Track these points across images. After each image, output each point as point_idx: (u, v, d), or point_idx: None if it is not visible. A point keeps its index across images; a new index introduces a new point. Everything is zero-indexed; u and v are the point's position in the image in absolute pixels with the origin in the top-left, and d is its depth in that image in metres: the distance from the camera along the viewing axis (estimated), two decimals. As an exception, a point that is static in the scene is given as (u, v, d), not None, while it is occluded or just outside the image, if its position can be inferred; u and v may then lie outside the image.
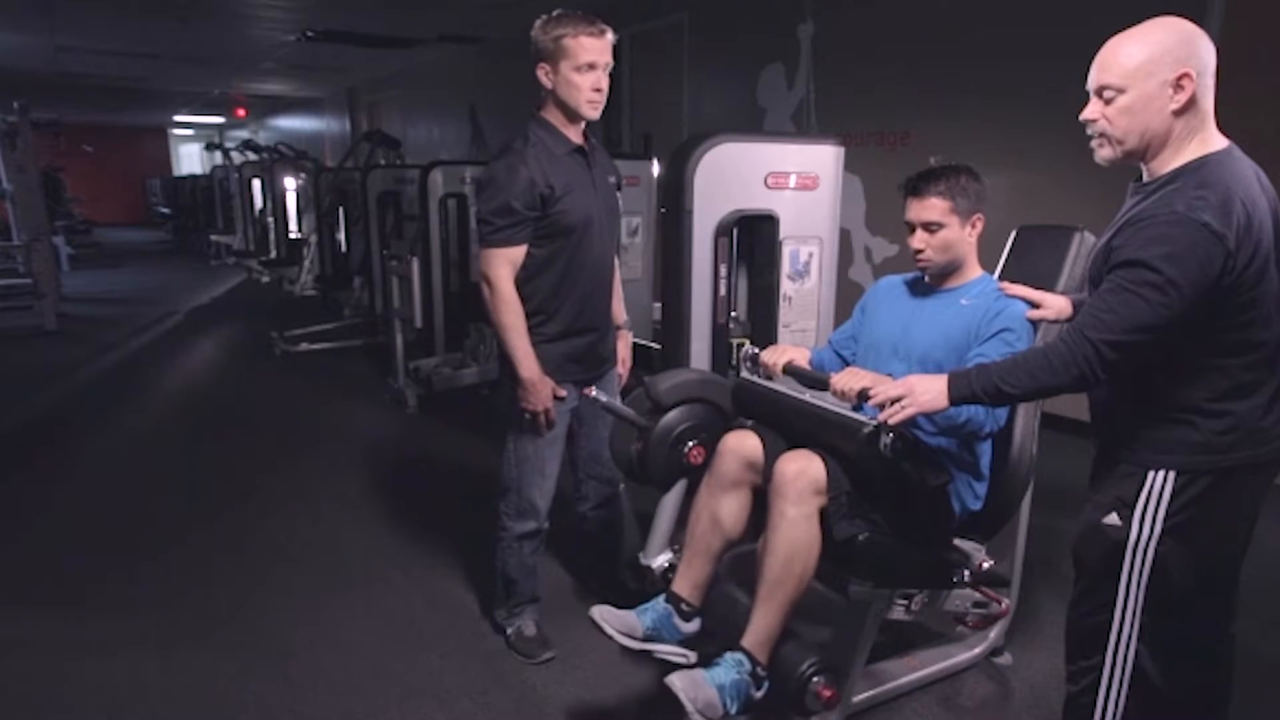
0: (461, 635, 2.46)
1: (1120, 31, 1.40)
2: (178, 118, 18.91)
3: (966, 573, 1.87)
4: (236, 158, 11.52)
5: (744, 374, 2.09)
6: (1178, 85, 1.34)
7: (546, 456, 2.21)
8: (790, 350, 2.05)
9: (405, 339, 4.85)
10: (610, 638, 1.81)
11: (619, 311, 2.36)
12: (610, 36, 2.01)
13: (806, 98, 5.50)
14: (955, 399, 1.52)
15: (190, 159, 23.24)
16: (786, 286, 2.59)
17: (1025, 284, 1.89)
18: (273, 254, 8.86)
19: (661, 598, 1.91)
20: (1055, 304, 1.82)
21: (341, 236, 7.20)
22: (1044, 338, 1.85)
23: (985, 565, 1.88)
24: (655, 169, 4.73)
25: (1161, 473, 1.43)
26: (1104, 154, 1.44)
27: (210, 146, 17.75)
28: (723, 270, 2.48)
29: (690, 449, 2.02)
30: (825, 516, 1.74)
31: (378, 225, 5.99)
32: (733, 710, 1.66)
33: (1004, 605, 2.11)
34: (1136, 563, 1.46)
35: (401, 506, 3.41)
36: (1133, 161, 1.44)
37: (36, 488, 3.66)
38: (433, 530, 3.15)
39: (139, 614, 2.59)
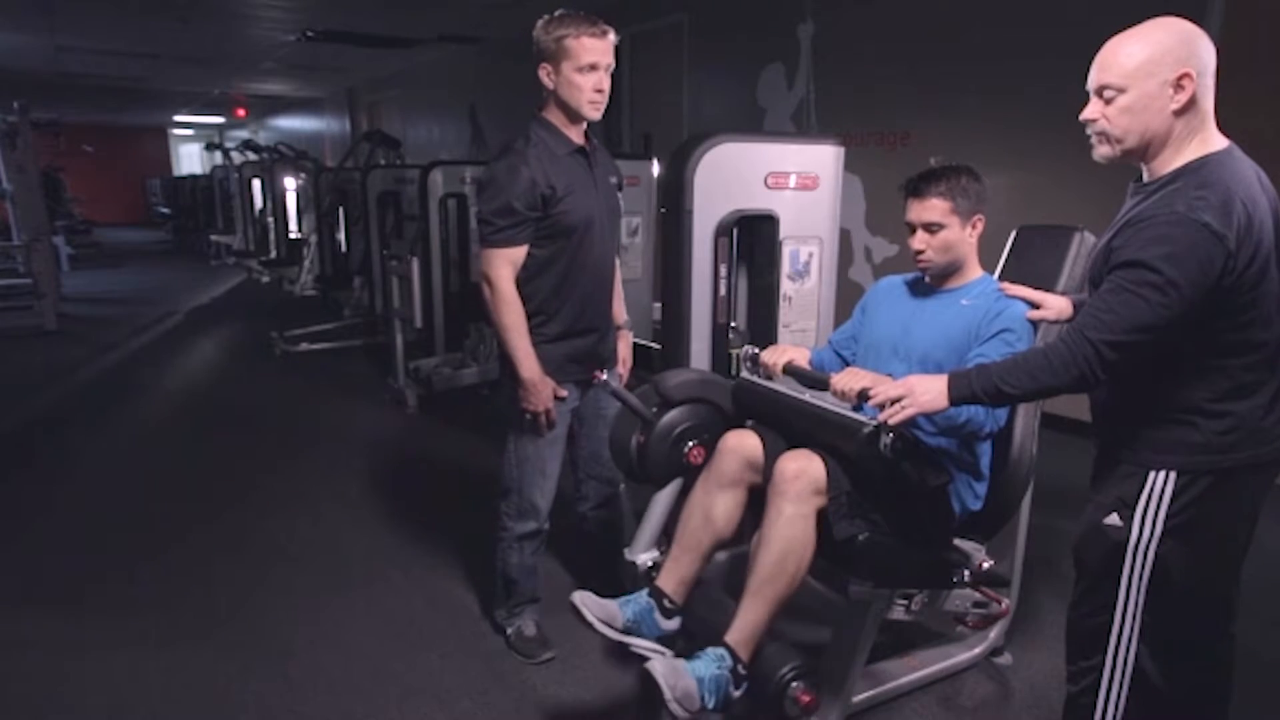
0: (461, 635, 2.46)
1: (1120, 31, 1.40)
2: (178, 118, 18.91)
3: (966, 573, 1.87)
4: (236, 158, 11.52)
5: (744, 374, 2.10)
6: (1178, 85, 1.34)
7: (547, 457, 2.21)
8: (790, 350, 2.05)
9: (405, 339, 4.85)
10: (589, 623, 1.79)
11: (619, 312, 2.37)
12: (612, 37, 2.01)
13: (806, 98, 5.50)
14: (955, 399, 1.52)
15: (190, 159, 23.23)
16: (786, 286, 2.59)
17: (1025, 284, 1.89)
18: (273, 254, 8.86)
19: (644, 591, 1.89)
20: (1056, 304, 1.82)
21: (341, 236, 7.20)
22: (1044, 338, 1.85)
23: (985, 565, 1.88)
24: (655, 169, 4.73)
25: (1162, 473, 1.43)
26: (1102, 151, 1.44)
27: (210, 146, 17.76)
28: (723, 270, 2.48)
29: (691, 448, 2.02)
30: (825, 517, 1.74)
31: (378, 225, 5.99)
32: (710, 704, 1.64)
33: (1004, 605, 2.11)
34: (1137, 563, 1.46)
35: (401, 506, 3.41)
36: (1132, 161, 1.44)
37: (36, 488, 3.66)
38: (433, 530, 3.15)
39: (139, 614, 2.59)
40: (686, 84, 6.54)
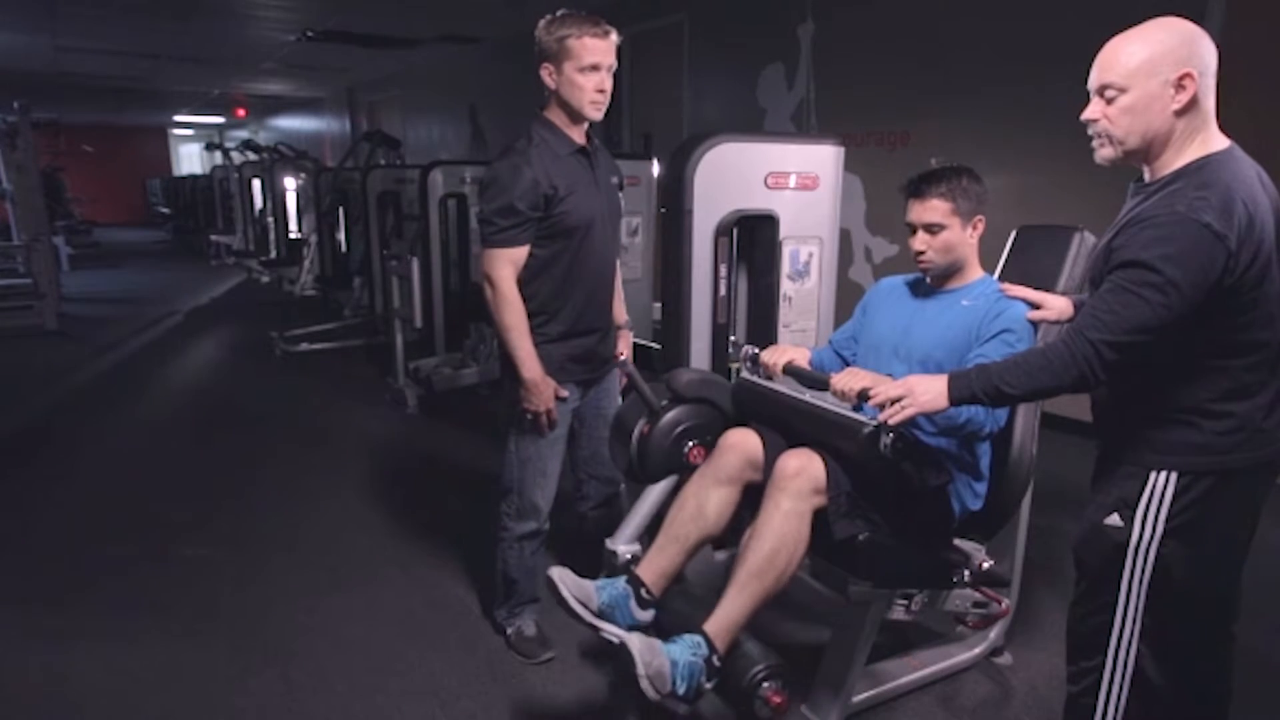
0: (461, 635, 2.46)
1: (1121, 31, 1.40)
2: (178, 118, 18.91)
3: (966, 573, 1.87)
4: (236, 158, 11.52)
5: (744, 374, 2.10)
6: (1179, 85, 1.34)
7: (548, 457, 2.21)
8: (790, 350, 2.05)
9: (405, 339, 4.85)
10: (564, 599, 1.75)
11: (619, 311, 2.37)
12: (614, 37, 2.00)
13: (806, 98, 5.50)
14: (955, 399, 1.51)
15: (190, 159, 23.23)
16: (786, 286, 2.59)
17: (1025, 284, 1.89)
18: (273, 254, 8.86)
19: (623, 579, 1.86)
20: (1056, 305, 1.82)
21: (341, 236, 7.20)
22: (1044, 338, 1.84)
23: (985, 565, 1.88)
24: (655, 169, 4.73)
25: (1164, 473, 1.43)
26: (1104, 153, 1.43)
27: (210, 146, 17.76)
28: (723, 270, 2.48)
29: (691, 448, 2.02)
30: (823, 517, 1.74)
31: (378, 225, 5.99)
32: (680, 690, 1.61)
33: (1004, 605, 2.11)
34: (1138, 564, 1.46)
35: (401, 506, 3.41)
36: (1133, 162, 1.44)
37: (36, 487, 3.66)
38: (433, 530, 3.15)
39: (139, 613, 2.59)
40: (686, 84, 6.54)
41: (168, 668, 2.30)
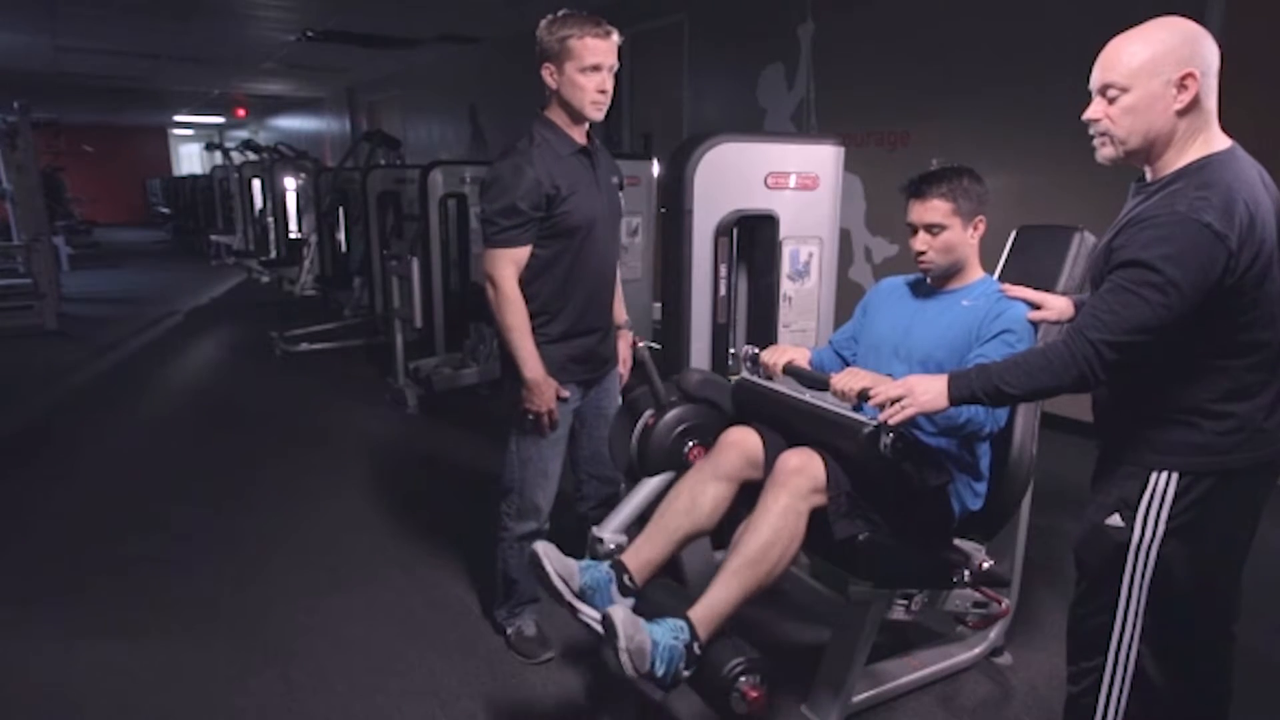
0: (461, 635, 2.46)
1: (1123, 31, 1.40)
2: (178, 118, 18.91)
3: (966, 573, 1.87)
4: (236, 158, 11.52)
5: (744, 374, 2.10)
6: (1181, 85, 1.34)
7: (549, 457, 2.21)
8: (790, 350, 2.05)
9: (405, 339, 4.85)
10: (547, 574, 1.72)
11: (619, 311, 2.37)
12: (616, 38, 2.00)
13: (806, 98, 5.50)
14: (955, 399, 1.52)
15: (190, 159, 23.23)
16: (786, 286, 2.58)
17: (1025, 284, 1.89)
18: (273, 254, 8.86)
19: (607, 563, 1.83)
20: (1057, 305, 1.82)
21: (341, 236, 7.20)
22: (1045, 339, 1.84)
23: (985, 565, 1.88)
24: (655, 169, 4.73)
25: (1165, 474, 1.43)
26: (1106, 153, 1.43)
27: (210, 146, 17.75)
28: (723, 270, 2.48)
29: (691, 448, 2.02)
30: (821, 517, 1.74)
31: (378, 225, 5.99)
32: (659, 672, 1.58)
33: (1004, 605, 2.11)
34: (1139, 564, 1.46)
35: (401, 507, 3.41)
36: (1135, 162, 1.44)
37: (37, 488, 3.66)
38: (433, 530, 3.15)
39: (139, 613, 2.59)
40: (686, 84, 6.54)
41: (168, 668, 2.30)
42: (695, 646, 1.62)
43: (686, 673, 1.62)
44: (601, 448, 2.29)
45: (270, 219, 9.08)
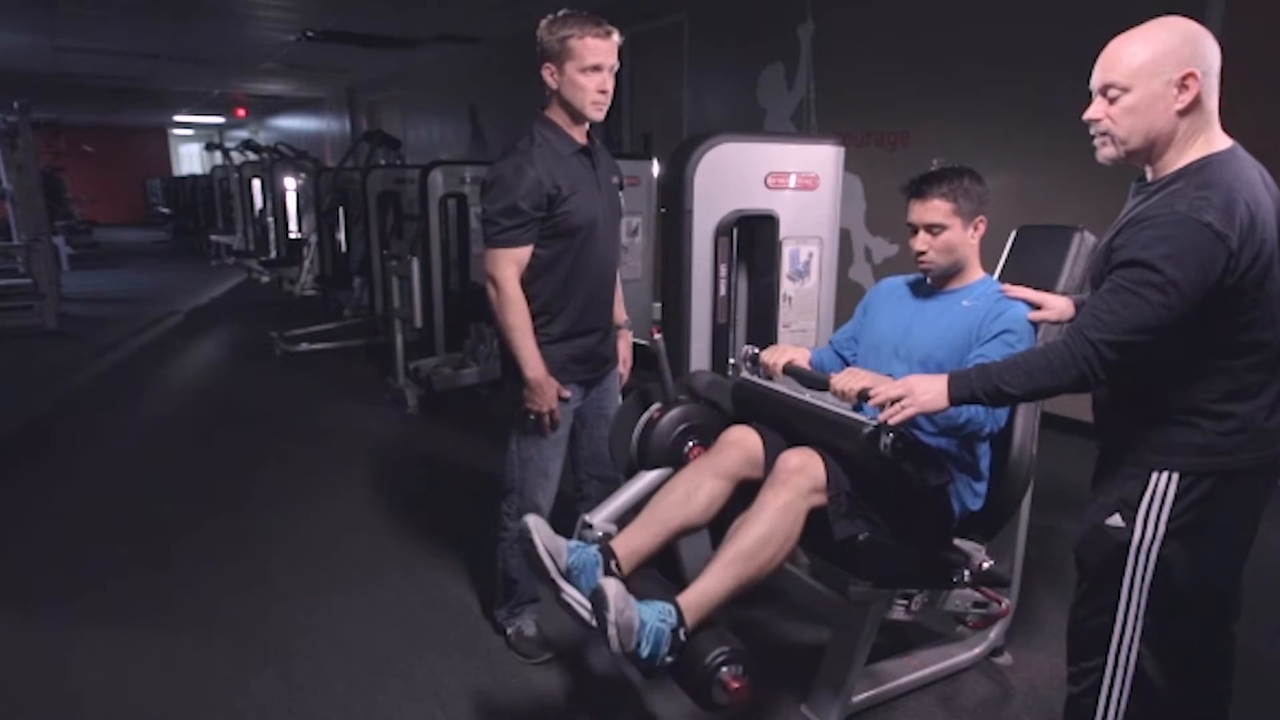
0: (461, 635, 2.46)
1: (1123, 31, 1.40)
2: (178, 118, 18.91)
3: (966, 573, 1.87)
4: (236, 158, 11.52)
5: (744, 374, 2.10)
6: (1182, 85, 1.33)
7: (550, 457, 2.21)
8: (790, 350, 2.05)
9: (405, 339, 4.85)
10: (535, 548, 1.69)
11: (619, 311, 2.37)
12: (616, 38, 2.00)
13: (806, 98, 5.50)
14: (955, 399, 1.51)
15: (190, 159, 23.23)
16: (786, 286, 2.59)
17: (1025, 284, 1.89)
18: (273, 254, 8.86)
19: (595, 546, 1.78)
20: (1057, 305, 1.82)
21: (341, 236, 7.20)
22: (1045, 339, 1.84)
23: (985, 565, 1.88)
24: (655, 169, 4.73)
25: (1165, 474, 1.42)
26: (1106, 153, 1.43)
27: (210, 146, 17.75)
28: (723, 270, 2.48)
29: (692, 447, 2.03)
30: (823, 517, 1.74)
31: (378, 225, 5.99)
32: (643, 653, 1.55)
33: (1004, 605, 2.11)
34: (1140, 564, 1.46)
35: (401, 506, 3.41)
36: (1135, 162, 1.44)
37: (36, 488, 3.66)
38: (433, 530, 3.15)
39: (139, 613, 2.59)
40: (686, 84, 6.54)
41: (168, 668, 2.30)
42: (681, 633, 1.59)
43: (669, 659, 1.59)
44: (602, 448, 2.29)
45: (270, 219, 9.08)
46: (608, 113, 2.07)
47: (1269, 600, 2.34)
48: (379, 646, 2.40)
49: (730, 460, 1.89)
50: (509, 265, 2.04)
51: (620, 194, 2.28)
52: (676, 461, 2.03)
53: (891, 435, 1.65)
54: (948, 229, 1.87)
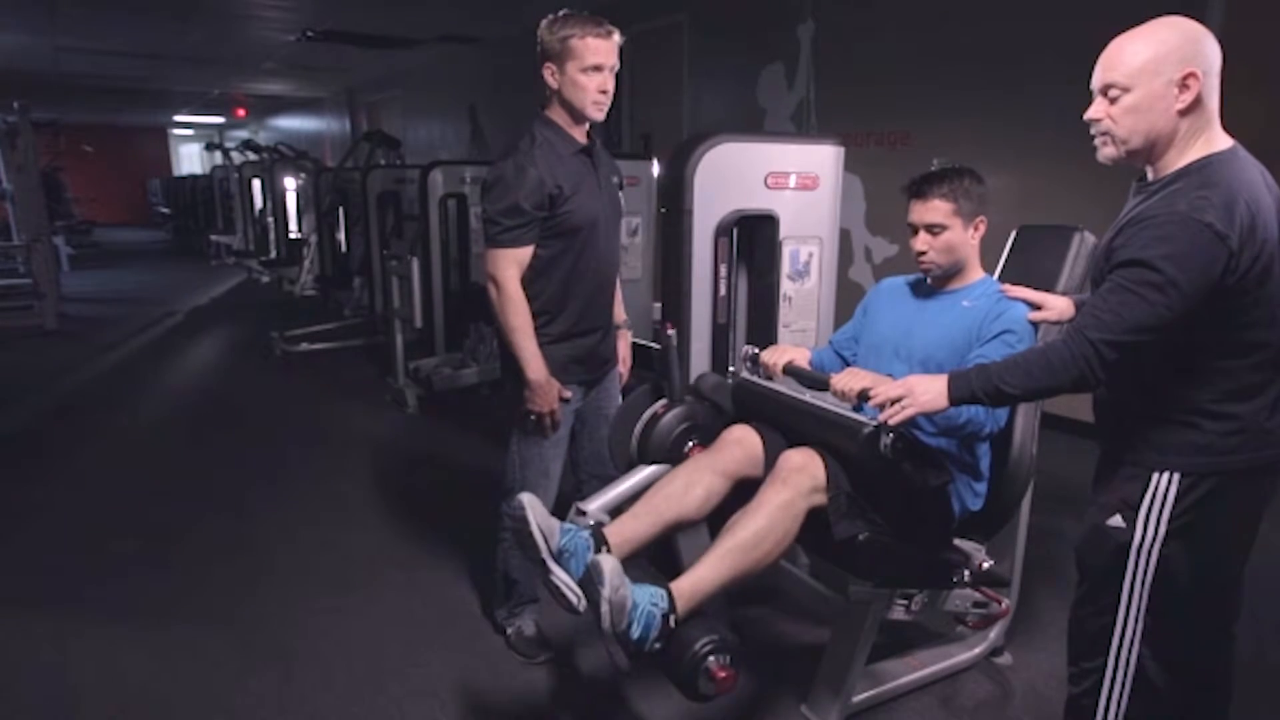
0: (461, 635, 2.46)
1: (1124, 31, 1.40)
2: (178, 118, 18.90)
3: (966, 573, 1.87)
4: (236, 158, 11.53)
5: (744, 374, 2.10)
6: (1183, 85, 1.33)
7: (550, 458, 2.21)
8: (790, 350, 2.05)
9: (405, 339, 4.85)
10: (527, 523, 1.66)
11: (618, 311, 2.37)
12: (617, 38, 2.01)
13: (806, 98, 5.50)
14: (955, 399, 1.51)
15: (190, 159, 23.22)
16: (786, 286, 2.58)
17: (1025, 284, 1.89)
18: (273, 254, 8.86)
19: (588, 530, 1.76)
20: (1057, 305, 1.82)
21: (341, 236, 7.20)
22: (1045, 339, 1.84)
23: (985, 565, 1.88)
24: (655, 169, 4.73)
25: (1166, 474, 1.42)
26: (1107, 153, 1.43)
27: (210, 146, 17.76)
28: (723, 270, 2.47)
29: (692, 446, 2.03)
30: (823, 517, 1.74)
31: (378, 225, 5.99)
32: (634, 634, 1.53)
33: (1004, 605, 2.11)
34: (1141, 565, 1.46)
35: (402, 507, 3.40)
36: (1136, 162, 1.44)
37: (36, 488, 3.66)
38: (433, 530, 3.15)
39: (139, 614, 2.58)
40: (686, 84, 6.54)
41: (168, 668, 2.30)
42: (671, 619, 1.58)
43: (658, 644, 1.57)
44: (602, 448, 2.29)
45: (270, 219, 9.08)
46: (608, 113, 2.07)
47: (1269, 600, 2.34)
48: (379, 646, 2.40)
49: (730, 458, 1.89)
50: (510, 265, 2.03)
51: (620, 194, 2.28)
52: (676, 459, 2.03)
53: (891, 435, 1.65)
54: (948, 229, 1.87)
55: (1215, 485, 1.41)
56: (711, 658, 1.55)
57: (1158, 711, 1.54)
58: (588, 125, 2.10)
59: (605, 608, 1.51)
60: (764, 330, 2.61)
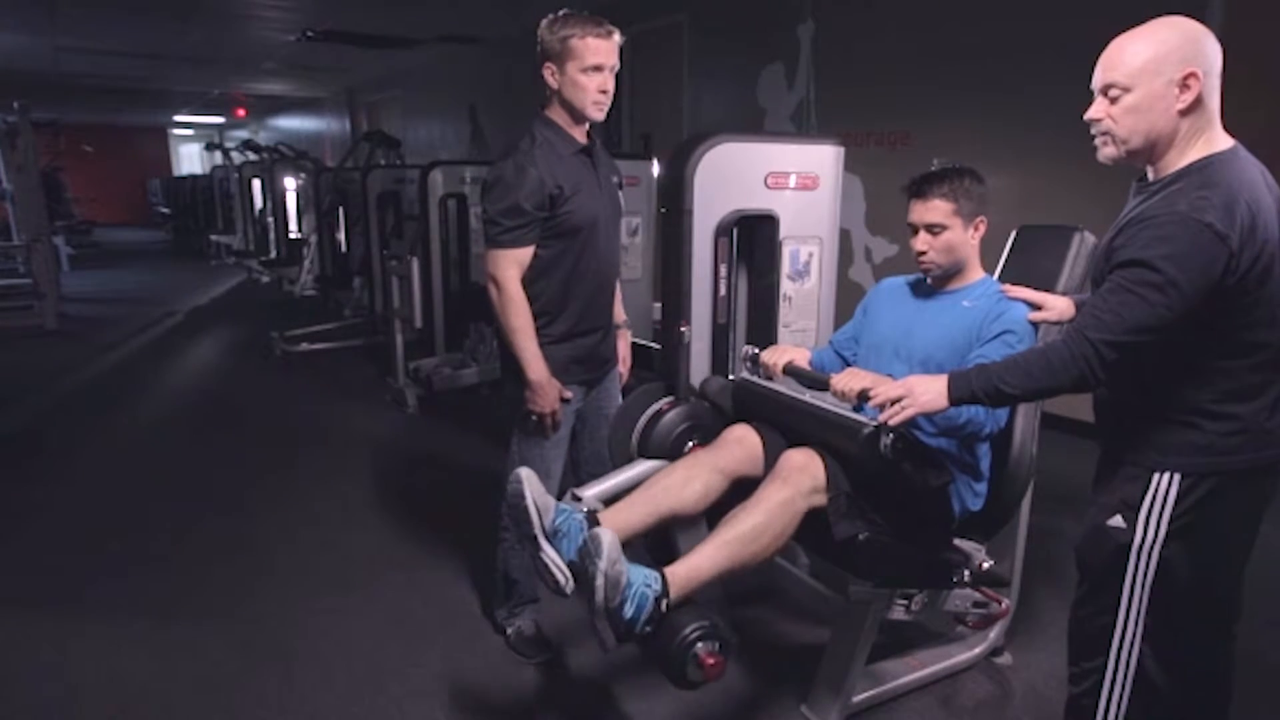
0: (461, 635, 2.46)
1: (1124, 30, 1.40)
2: (178, 118, 18.90)
3: (966, 573, 1.87)
4: (236, 158, 11.53)
5: (744, 374, 2.10)
6: (1184, 85, 1.33)
7: (551, 458, 2.20)
8: (790, 351, 2.06)
9: (405, 339, 4.85)
10: (523, 497, 1.66)
11: (618, 311, 2.37)
12: (617, 38, 2.01)
13: (806, 98, 5.50)
14: (955, 399, 1.51)
15: (190, 159, 23.21)
16: (786, 286, 2.58)
17: (1025, 284, 1.89)
18: (273, 254, 8.86)
19: (583, 513, 1.75)
20: (1058, 305, 1.82)
21: (341, 236, 7.20)
22: (1045, 339, 1.84)
23: (985, 565, 1.88)
24: (655, 169, 4.73)
25: (1166, 475, 1.42)
26: (1107, 153, 1.43)
27: (210, 146, 17.76)
28: (723, 270, 2.47)
29: (692, 447, 2.03)
30: (823, 517, 1.74)
31: (378, 225, 5.99)
32: (627, 613, 1.52)
33: (1004, 605, 2.11)
34: (1141, 565, 1.46)
35: (402, 506, 3.40)
36: (1136, 162, 1.44)
37: (36, 488, 3.65)
38: (433, 530, 3.15)
39: (139, 614, 2.58)
40: (686, 84, 6.54)
41: (168, 668, 2.30)
42: (663, 604, 1.56)
43: (647, 628, 1.55)
44: (602, 448, 2.29)
45: (270, 219, 9.08)
46: (608, 113, 2.07)
47: (1269, 600, 2.34)
48: (379, 646, 2.40)
49: (730, 456, 1.90)
50: (511, 266, 2.03)
51: (620, 194, 2.28)
52: (675, 458, 2.03)
53: (892, 436, 1.65)
54: (948, 229, 1.87)
55: (1216, 485, 1.41)
56: (701, 644, 1.54)
57: (1158, 711, 1.54)
58: (588, 125, 2.10)
59: (600, 580, 1.49)
60: (764, 330, 2.61)
